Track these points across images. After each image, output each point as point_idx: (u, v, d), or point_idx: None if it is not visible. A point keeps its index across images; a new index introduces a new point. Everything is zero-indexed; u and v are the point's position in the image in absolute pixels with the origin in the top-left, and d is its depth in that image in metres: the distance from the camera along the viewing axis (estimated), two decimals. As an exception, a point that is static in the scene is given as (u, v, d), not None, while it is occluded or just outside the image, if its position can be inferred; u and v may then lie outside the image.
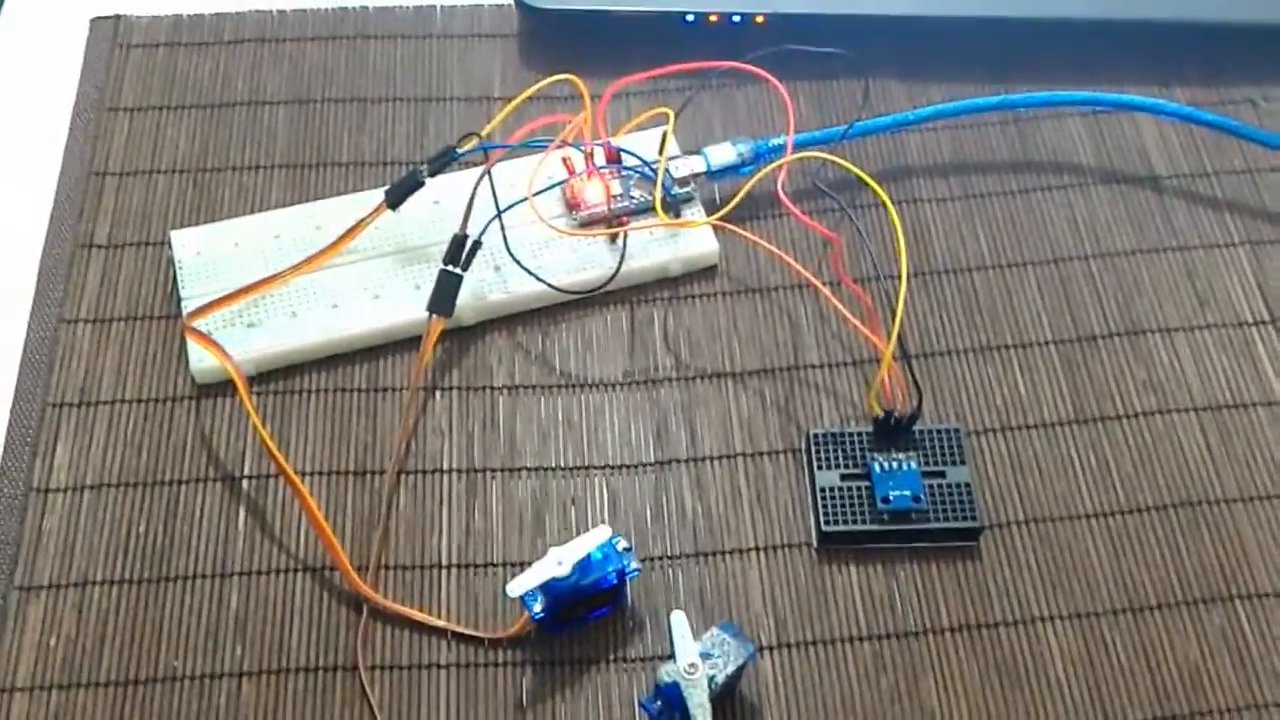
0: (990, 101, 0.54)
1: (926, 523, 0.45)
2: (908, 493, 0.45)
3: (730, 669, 0.40)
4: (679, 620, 0.40)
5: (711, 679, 0.40)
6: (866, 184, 0.48)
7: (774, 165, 0.50)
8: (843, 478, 0.46)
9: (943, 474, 0.46)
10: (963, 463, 0.46)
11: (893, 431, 0.46)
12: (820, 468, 0.46)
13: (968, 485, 0.46)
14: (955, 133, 0.56)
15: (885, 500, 0.45)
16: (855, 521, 0.45)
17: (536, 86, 0.51)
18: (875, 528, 0.45)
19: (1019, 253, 0.52)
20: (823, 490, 0.46)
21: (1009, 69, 0.57)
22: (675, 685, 0.39)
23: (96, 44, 0.58)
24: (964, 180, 0.54)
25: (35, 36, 0.59)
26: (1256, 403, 0.48)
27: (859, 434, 0.47)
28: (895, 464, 0.46)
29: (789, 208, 0.49)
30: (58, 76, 0.57)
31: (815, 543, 0.45)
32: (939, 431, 0.47)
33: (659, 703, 0.40)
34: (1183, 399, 0.48)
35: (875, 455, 0.46)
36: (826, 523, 0.45)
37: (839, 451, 0.46)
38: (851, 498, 0.45)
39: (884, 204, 0.48)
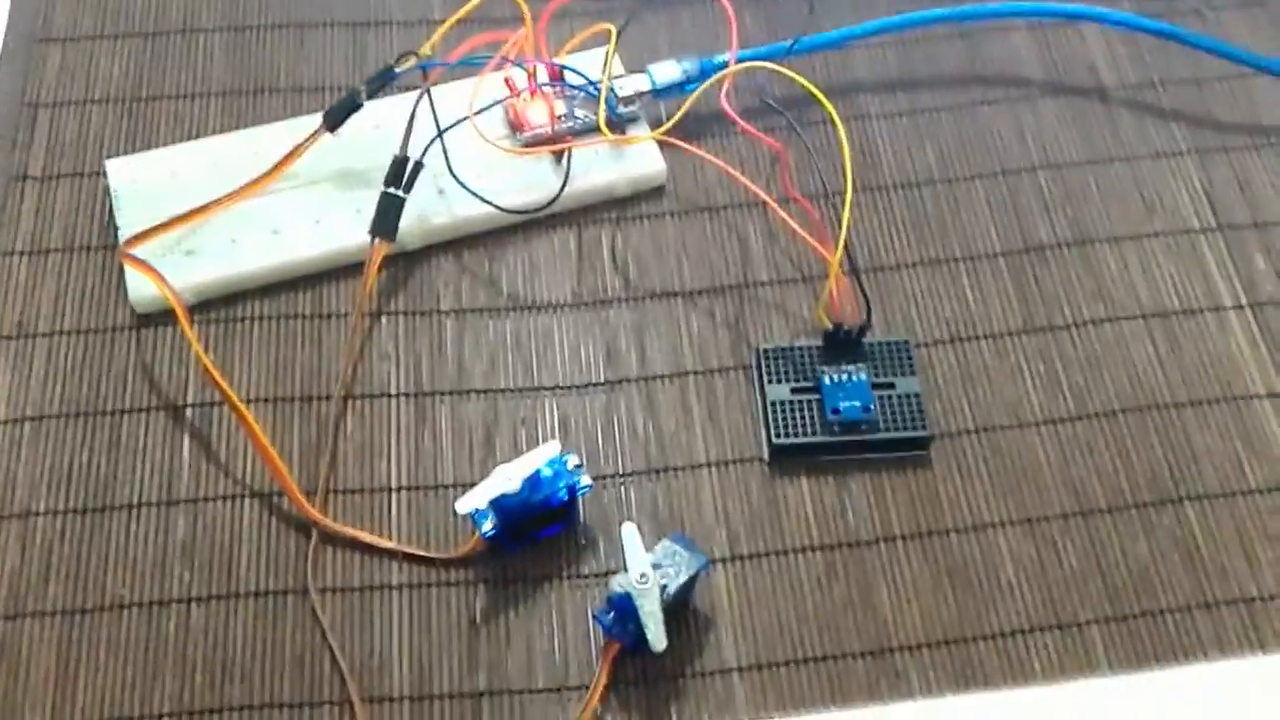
0: (937, 14, 0.54)
1: (877, 433, 0.45)
2: (858, 404, 0.45)
3: (682, 579, 0.40)
4: (630, 531, 0.40)
5: (663, 589, 0.39)
6: (814, 97, 0.48)
7: (719, 76, 0.50)
8: (793, 391, 0.46)
9: (892, 385, 0.46)
10: (913, 373, 0.46)
11: (842, 344, 0.46)
12: (771, 382, 0.46)
13: (917, 395, 0.45)
14: (903, 47, 0.55)
15: (835, 412, 0.45)
16: (806, 434, 0.45)
17: (475, 2, 0.50)
18: (826, 439, 0.45)
19: (967, 166, 0.52)
20: (773, 404, 0.45)
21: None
22: (627, 596, 0.39)
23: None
24: (912, 95, 0.54)
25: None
26: (1204, 308, 0.48)
27: (809, 348, 0.46)
28: (845, 376, 0.46)
29: (734, 118, 0.48)
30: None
31: (766, 456, 0.45)
32: (888, 343, 0.46)
33: (611, 614, 0.40)
34: (1131, 306, 0.48)
35: (825, 369, 0.46)
36: (777, 436, 0.45)
37: (789, 366, 0.46)
38: (802, 411, 0.45)
39: (831, 119, 0.47)
